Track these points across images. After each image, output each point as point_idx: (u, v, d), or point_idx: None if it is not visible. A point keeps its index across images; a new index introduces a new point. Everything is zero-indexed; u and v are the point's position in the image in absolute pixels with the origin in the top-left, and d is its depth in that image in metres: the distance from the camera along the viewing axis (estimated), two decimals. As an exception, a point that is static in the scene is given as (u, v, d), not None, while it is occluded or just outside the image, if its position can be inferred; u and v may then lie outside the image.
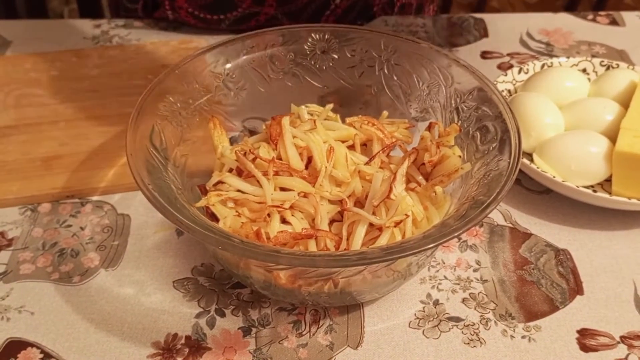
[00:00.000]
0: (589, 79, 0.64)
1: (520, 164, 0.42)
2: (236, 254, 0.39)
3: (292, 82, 0.55)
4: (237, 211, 0.46)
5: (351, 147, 0.51)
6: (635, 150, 0.52)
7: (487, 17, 0.83)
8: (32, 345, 0.46)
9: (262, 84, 0.54)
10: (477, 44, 0.78)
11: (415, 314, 0.48)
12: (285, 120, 0.49)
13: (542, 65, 0.66)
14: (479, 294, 0.50)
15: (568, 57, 0.67)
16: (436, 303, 0.49)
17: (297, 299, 0.46)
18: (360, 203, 0.47)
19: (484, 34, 0.80)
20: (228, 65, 0.53)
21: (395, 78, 0.54)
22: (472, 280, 0.50)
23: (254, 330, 0.47)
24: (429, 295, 0.49)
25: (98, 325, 0.47)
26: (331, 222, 0.46)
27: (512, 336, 0.47)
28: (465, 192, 0.45)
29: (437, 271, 0.51)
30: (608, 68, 0.66)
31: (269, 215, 0.45)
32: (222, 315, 0.48)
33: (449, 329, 0.47)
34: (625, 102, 0.58)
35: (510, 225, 0.55)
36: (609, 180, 0.55)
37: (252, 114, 0.55)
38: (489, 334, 0.47)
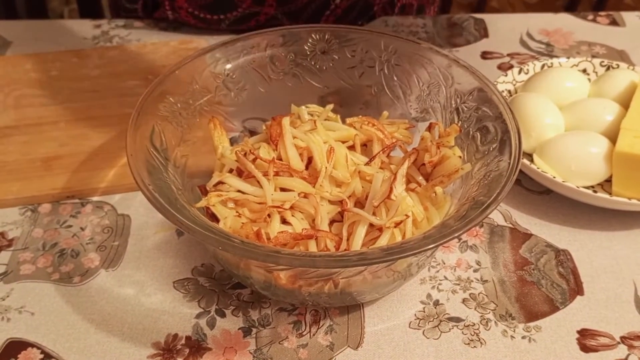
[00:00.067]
0: (589, 80, 0.64)
1: (520, 164, 0.42)
2: (236, 254, 0.39)
3: (292, 82, 0.55)
4: (237, 212, 0.46)
5: (351, 148, 0.51)
6: (635, 151, 0.52)
7: (487, 17, 0.83)
8: (32, 345, 0.46)
9: (263, 85, 0.54)
10: (477, 44, 0.78)
11: (415, 315, 0.48)
12: (286, 121, 0.49)
13: (542, 66, 0.66)
14: (479, 294, 0.50)
15: (568, 58, 0.67)
16: (436, 303, 0.49)
17: (298, 299, 0.46)
18: (360, 203, 0.47)
19: (484, 34, 0.80)
20: (228, 66, 0.53)
21: (395, 78, 0.54)
22: (472, 281, 0.50)
23: (254, 330, 0.47)
24: (429, 296, 0.49)
25: (98, 326, 0.47)
26: (331, 222, 0.46)
27: (512, 336, 0.47)
28: (465, 192, 0.45)
29: (438, 271, 0.51)
30: (608, 68, 0.66)
31: (269, 215, 0.45)
32: (223, 315, 0.48)
33: (449, 329, 0.47)
34: (625, 103, 0.58)
35: (510, 225, 0.55)
36: (609, 180, 0.55)
37: (252, 114, 0.55)
38: (489, 335, 0.47)
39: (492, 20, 0.83)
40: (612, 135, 0.55)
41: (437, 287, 0.50)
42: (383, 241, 0.43)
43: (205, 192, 0.48)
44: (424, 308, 0.49)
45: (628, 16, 0.84)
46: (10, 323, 0.47)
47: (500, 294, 0.50)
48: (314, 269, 0.40)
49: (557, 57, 0.72)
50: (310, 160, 0.48)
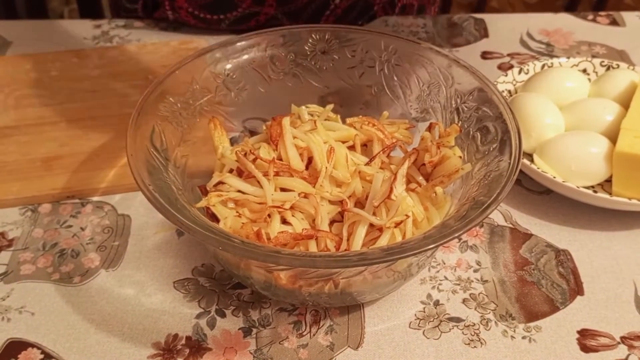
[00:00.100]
0: (589, 80, 0.64)
1: (520, 164, 0.42)
2: (237, 254, 0.39)
3: (292, 82, 0.55)
4: (237, 212, 0.46)
5: (351, 148, 0.51)
6: (635, 151, 0.52)
7: (487, 17, 0.83)
8: (32, 345, 0.46)
9: (263, 85, 0.54)
10: (477, 44, 0.78)
11: (415, 315, 0.48)
12: (286, 121, 0.49)
13: (543, 66, 0.66)
14: (479, 294, 0.50)
15: (568, 58, 0.67)
16: (436, 303, 0.49)
17: (298, 299, 0.46)
18: (360, 204, 0.47)
19: (484, 34, 0.80)
20: (228, 66, 0.53)
21: (395, 78, 0.54)
22: (472, 281, 0.50)
23: (254, 330, 0.47)
24: (429, 296, 0.49)
25: (98, 326, 0.47)
26: (331, 222, 0.46)
27: (512, 337, 0.47)
28: (465, 192, 0.45)
29: (438, 272, 0.51)
30: (608, 68, 0.66)
31: (269, 215, 0.45)
32: (223, 315, 0.48)
33: (450, 329, 0.47)
34: (625, 103, 0.58)
35: (510, 225, 0.55)
36: (609, 180, 0.55)
37: (252, 114, 0.55)
38: (490, 335, 0.47)
39: (492, 20, 0.83)
40: (612, 135, 0.55)
41: (438, 287, 0.50)
42: (383, 241, 0.43)
43: (205, 192, 0.48)
44: (424, 308, 0.49)
45: (628, 16, 0.84)
46: (11, 323, 0.47)
47: (500, 294, 0.50)
48: (314, 269, 0.40)
49: (557, 57, 0.72)
50: (310, 160, 0.48)
